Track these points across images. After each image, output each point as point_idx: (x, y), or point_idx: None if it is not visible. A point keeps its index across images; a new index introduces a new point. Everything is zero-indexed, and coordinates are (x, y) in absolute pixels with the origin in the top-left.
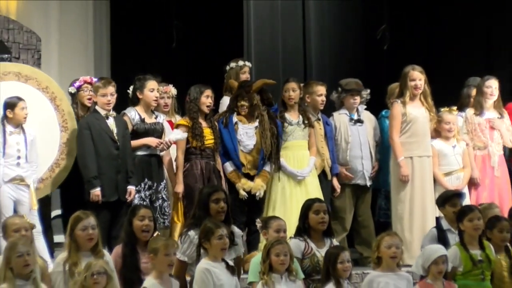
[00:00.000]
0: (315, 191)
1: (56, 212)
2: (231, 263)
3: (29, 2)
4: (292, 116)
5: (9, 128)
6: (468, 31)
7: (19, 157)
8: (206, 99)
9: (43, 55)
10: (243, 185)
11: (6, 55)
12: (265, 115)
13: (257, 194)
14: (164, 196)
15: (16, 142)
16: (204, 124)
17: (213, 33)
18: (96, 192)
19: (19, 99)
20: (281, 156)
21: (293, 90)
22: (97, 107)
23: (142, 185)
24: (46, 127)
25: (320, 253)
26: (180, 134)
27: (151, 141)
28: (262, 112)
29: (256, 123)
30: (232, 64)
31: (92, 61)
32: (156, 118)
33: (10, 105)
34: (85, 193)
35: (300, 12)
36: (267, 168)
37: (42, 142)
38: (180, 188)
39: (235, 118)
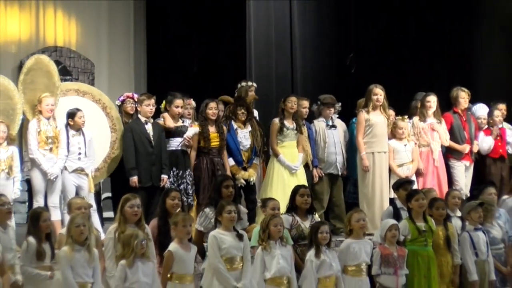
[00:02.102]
0: (302, 178)
1: (106, 194)
2: (241, 231)
3: (85, 37)
4: (289, 123)
5: (71, 132)
6: (416, 59)
7: (79, 153)
8: (210, 110)
9: (96, 77)
10: (243, 176)
11: (69, 77)
12: (254, 120)
13: (250, 180)
14: (188, 181)
15: (77, 142)
16: (212, 129)
17: (223, 60)
18: (133, 179)
19: (78, 109)
20: (280, 153)
21: (294, 103)
22: (139, 116)
23: (171, 172)
24: (100, 130)
25: (304, 224)
26: (193, 130)
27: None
28: (253, 119)
29: (249, 128)
30: (243, 83)
31: (133, 81)
32: (183, 122)
33: (71, 114)
34: (128, 180)
35: (289, 45)
36: (256, 161)
37: (98, 141)
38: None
39: (234, 125)
